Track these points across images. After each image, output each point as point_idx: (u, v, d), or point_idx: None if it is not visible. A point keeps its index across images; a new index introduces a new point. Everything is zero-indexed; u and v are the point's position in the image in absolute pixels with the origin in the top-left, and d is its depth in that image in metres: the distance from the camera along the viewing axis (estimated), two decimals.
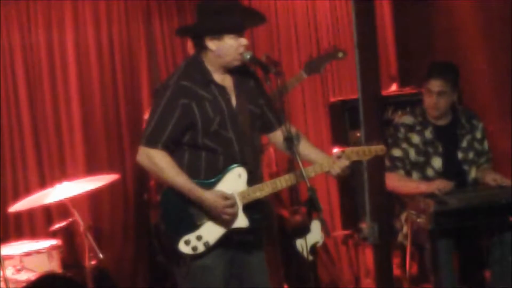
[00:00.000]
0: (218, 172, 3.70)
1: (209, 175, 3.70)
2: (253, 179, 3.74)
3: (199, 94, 3.68)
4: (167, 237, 3.72)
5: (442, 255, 4.54)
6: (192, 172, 3.68)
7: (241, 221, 3.72)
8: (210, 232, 3.69)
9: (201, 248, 3.68)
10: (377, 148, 3.86)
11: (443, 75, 4.78)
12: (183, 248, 3.66)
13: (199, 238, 3.68)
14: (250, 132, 3.77)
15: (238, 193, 3.70)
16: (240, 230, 3.72)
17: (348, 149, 3.79)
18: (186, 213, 3.68)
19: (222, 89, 3.73)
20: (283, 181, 3.74)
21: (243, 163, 3.71)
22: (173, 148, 3.71)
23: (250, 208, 3.73)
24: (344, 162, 3.76)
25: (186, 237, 3.66)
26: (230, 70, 3.75)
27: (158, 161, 3.66)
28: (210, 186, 3.69)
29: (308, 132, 6.49)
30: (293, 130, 3.84)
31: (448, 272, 4.57)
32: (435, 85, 4.77)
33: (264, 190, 3.73)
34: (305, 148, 3.86)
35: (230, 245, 3.75)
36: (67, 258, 5.56)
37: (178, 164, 3.68)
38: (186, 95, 3.66)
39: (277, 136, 3.88)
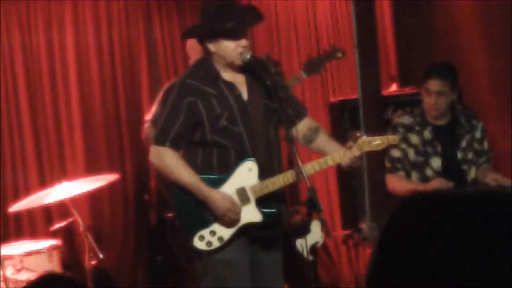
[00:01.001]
0: (231, 168, 3.71)
1: (222, 170, 3.72)
2: (267, 173, 3.73)
3: (205, 91, 3.71)
4: (182, 233, 3.75)
5: None
6: (206, 169, 3.72)
7: (254, 216, 3.72)
8: (224, 227, 3.71)
9: (215, 243, 3.69)
10: (389, 138, 3.84)
11: (441, 75, 4.77)
12: (198, 244, 3.68)
13: (212, 233, 3.69)
14: (264, 127, 3.77)
15: (250, 187, 3.70)
16: (254, 225, 3.72)
17: (361, 139, 3.75)
18: (198, 209, 3.70)
19: (230, 85, 3.75)
20: (295, 175, 3.72)
21: (254, 157, 3.71)
22: (186, 147, 3.75)
23: (265, 202, 3.73)
24: (354, 153, 3.72)
25: (200, 233, 3.69)
26: (244, 67, 3.77)
27: (167, 159, 3.70)
28: (221, 181, 3.70)
29: None
30: (314, 124, 3.91)
31: None
32: (434, 85, 4.76)
33: (275, 184, 3.72)
34: (323, 142, 3.88)
35: (248, 239, 3.75)
36: (67, 258, 5.55)
37: (192, 163, 3.71)
38: (191, 93, 3.70)
39: (297, 130, 3.86)
